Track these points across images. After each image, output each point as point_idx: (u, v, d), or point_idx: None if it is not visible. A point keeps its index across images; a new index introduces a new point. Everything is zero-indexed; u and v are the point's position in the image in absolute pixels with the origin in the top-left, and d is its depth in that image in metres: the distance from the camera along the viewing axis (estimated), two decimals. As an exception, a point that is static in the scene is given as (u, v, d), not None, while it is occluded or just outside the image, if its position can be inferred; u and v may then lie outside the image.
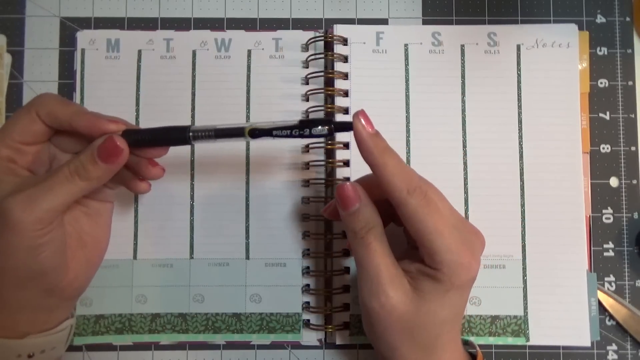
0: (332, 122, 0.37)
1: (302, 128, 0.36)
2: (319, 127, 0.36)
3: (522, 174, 0.48)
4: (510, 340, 0.47)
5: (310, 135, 0.36)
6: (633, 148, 0.49)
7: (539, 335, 0.47)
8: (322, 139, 0.48)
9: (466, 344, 0.42)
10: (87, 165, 0.36)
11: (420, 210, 0.35)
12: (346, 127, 0.37)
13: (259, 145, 0.48)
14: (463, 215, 0.47)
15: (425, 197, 0.35)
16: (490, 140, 0.48)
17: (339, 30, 0.49)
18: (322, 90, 0.48)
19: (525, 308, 0.47)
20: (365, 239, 0.37)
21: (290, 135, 0.36)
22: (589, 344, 0.47)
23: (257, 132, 0.37)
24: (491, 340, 0.47)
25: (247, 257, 0.48)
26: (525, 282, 0.47)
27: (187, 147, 0.48)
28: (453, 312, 0.37)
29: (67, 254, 0.39)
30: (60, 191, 0.36)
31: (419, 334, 0.37)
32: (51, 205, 0.36)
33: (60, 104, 0.38)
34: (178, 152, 0.48)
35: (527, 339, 0.47)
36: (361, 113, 0.36)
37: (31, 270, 0.37)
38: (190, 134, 0.38)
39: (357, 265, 0.38)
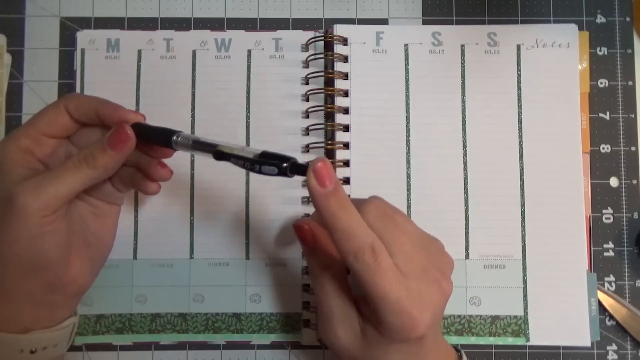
0: (289, 162, 0.34)
1: (255, 163, 0.35)
2: (270, 167, 0.34)
3: (522, 174, 0.48)
4: (510, 341, 0.47)
5: (260, 172, 0.35)
6: (633, 148, 0.49)
7: (539, 336, 0.47)
8: (321, 140, 0.48)
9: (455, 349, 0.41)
10: (95, 153, 0.37)
11: (365, 275, 0.34)
12: (302, 172, 0.34)
13: (259, 144, 0.48)
14: (463, 215, 0.47)
15: (375, 259, 0.34)
16: (490, 140, 0.48)
17: (339, 30, 0.49)
18: (322, 90, 0.48)
19: (526, 308, 0.47)
20: (319, 278, 0.38)
21: (244, 167, 0.35)
22: (589, 344, 0.47)
23: (220, 155, 0.36)
24: (491, 341, 0.47)
25: (247, 257, 0.48)
26: (525, 282, 0.47)
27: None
28: (403, 357, 0.37)
29: (71, 249, 0.39)
30: (67, 178, 0.37)
31: None
32: (57, 192, 0.36)
33: (88, 96, 0.41)
34: (178, 152, 0.48)
35: (528, 339, 0.47)
36: (318, 168, 0.34)
37: (33, 260, 0.37)
38: (174, 138, 0.38)
39: (315, 299, 0.38)
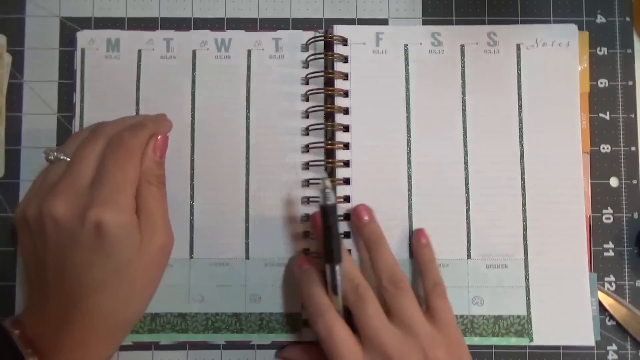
0: None
1: None
2: None
3: (522, 174, 0.48)
4: (513, 341, 0.47)
5: None
6: (633, 148, 0.49)
7: (543, 335, 0.47)
8: (321, 140, 0.48)
9: None
10: (157, 172, 0.42)
11: None
12: None
13: (259, 145, 0.48)
14: (464, 215, 0.47)
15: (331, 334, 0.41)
16: (490, 140, 0.48)
17: (339, 30, 0.49)
18: (322, 90, 0.48)
19: (528, 308, 0.47)
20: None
21: None
22: (593, 343, 0.47)
23: None
24: (494, 341, 0.47)
25: (247, 257, 0.47)
26: (527, 281, 0.47)
27: (187, 144, 0.48)
28: None
29: None
30: (165, 205, 0.43)
31: None
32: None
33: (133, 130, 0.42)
34: (178, 151, 0.48)
35: (531, 339, 0.47)
36: (299, 257, 0.47)
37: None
38: None
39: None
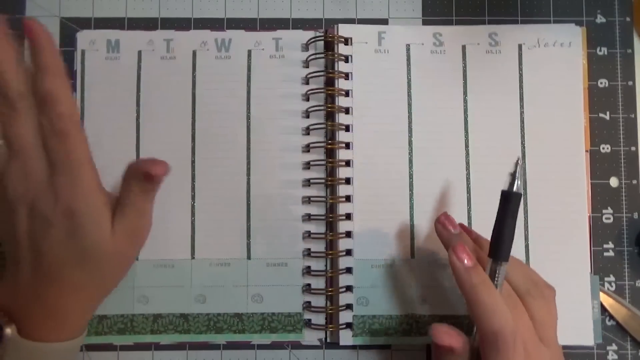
0: None
1: None
2: None
3: (524, 174, 0.48)
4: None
5: None
6: (633, 148, 0.49)
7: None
8: (321, 139, 0.48)
9: None
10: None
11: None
12: None
13: (260, 144, 0.48)
14: (466, 215, 0.48)
15: (514, 347, 0.35)
16: (492, 140, 0.48)
17: (342, 29, 0.49)
18: (323, 90, 0.48)
19: (530, 308, 0.47)
20: None
21: None
22: (592, 343, 0.47)
23: None
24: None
25: (249, 257, 0.48)
26: (529, 282, 0.47)
27: (188, 144, 0.48)
28: None
29: None
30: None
31: None
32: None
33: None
34: (178, 152, 0.48)
35: (532, 339, 0.47)
36: (458, 247, 0.38)
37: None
38: None
39: None
